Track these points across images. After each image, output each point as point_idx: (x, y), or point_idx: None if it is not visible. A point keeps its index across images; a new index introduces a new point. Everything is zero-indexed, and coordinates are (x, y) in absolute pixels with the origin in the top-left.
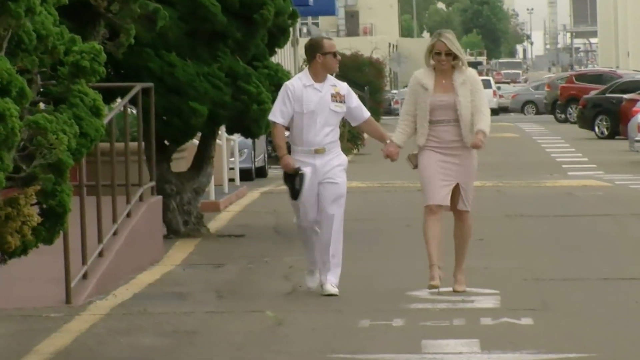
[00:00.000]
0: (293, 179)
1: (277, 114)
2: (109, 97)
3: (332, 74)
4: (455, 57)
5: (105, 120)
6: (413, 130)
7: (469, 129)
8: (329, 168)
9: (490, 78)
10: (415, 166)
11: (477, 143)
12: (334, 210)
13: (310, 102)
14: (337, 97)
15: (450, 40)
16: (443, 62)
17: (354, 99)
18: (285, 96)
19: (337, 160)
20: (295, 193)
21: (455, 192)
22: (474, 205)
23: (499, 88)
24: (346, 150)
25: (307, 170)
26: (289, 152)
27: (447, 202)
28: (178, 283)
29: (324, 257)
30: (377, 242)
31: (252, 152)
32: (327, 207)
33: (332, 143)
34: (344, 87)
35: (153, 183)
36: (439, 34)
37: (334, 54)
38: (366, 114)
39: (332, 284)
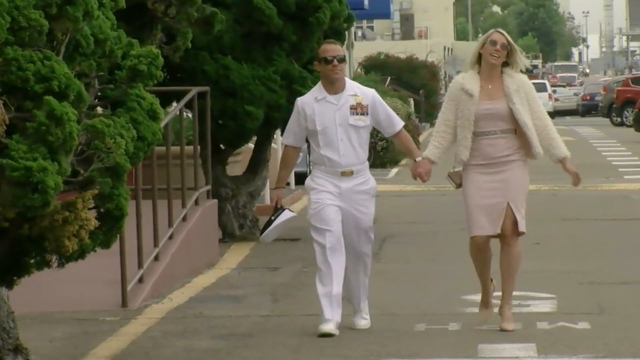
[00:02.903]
0: (274, 213)
1: (288, 135)
2: (165, 100)
3: (333, 83)
4: (508, 56)
5: (162, 124)
6: (450, 143)
7: (536, 139)
8: (356, 194)
9: (546, 81)
10: (459, 185)
11: (579, 179)
12: (365, 248)
13: (323, 117)
14: (358, 109)
15: (508, 35)
16: (497, 52)
17: (380, 110)
18: (296, 114)
19: (364, 185)
20: (265, 226)
21: (506, 214)
22: (532, 208)
23: (554, 91)
24: (399, 156)
25: (291, 214)
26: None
27: (495, 231)
28: (233, 286)
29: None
30: (432, 245)
31: (308, 156)
32: (357, 244)
33: (359, 165)
34: (367, 96)
35: (209, 187)
36: (495, 29)
37: (325, 60)
38: (397, 127)
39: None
